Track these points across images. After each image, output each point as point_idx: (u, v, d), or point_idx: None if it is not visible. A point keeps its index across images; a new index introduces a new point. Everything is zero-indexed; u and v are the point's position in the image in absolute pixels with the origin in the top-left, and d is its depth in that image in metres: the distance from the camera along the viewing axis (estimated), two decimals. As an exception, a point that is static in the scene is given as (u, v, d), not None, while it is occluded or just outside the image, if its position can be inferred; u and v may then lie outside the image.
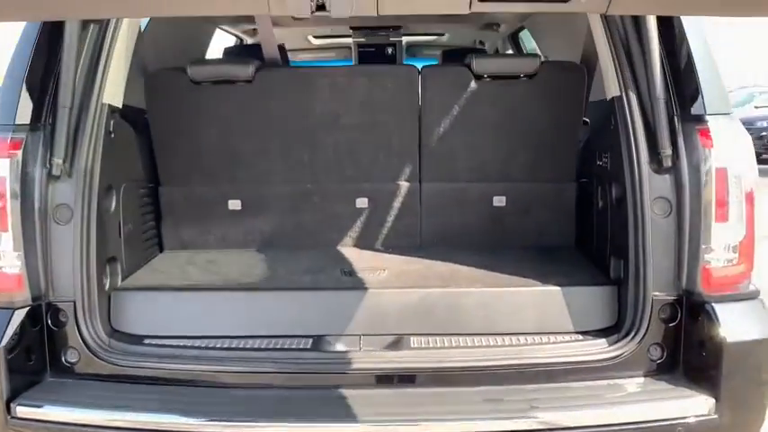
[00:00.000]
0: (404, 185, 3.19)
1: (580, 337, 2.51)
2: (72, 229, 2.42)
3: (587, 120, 3.22)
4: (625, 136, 2.46)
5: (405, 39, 5.97)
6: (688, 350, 2.38)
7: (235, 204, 3.19)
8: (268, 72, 3.08)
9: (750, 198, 2.35)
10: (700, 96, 2.36)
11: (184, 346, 2.49)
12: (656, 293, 2.38)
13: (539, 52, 5.11)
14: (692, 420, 2.24)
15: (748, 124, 15.39)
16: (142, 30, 3.64)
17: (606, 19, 2.54)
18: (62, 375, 2.44)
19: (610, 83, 2.58)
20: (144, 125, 3.08)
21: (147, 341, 2.52)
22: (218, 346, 2.49)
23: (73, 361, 2.44)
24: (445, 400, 2.31)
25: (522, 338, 2.51)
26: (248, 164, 3.16)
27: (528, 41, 5.39)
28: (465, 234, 3.21)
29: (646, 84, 2.41)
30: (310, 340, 2.50)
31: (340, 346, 2.47)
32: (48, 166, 2.40)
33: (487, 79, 3.05)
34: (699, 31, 2.43)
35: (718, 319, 2.28)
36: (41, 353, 2.42)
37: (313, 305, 2.59)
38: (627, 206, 2.45)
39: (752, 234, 2.36)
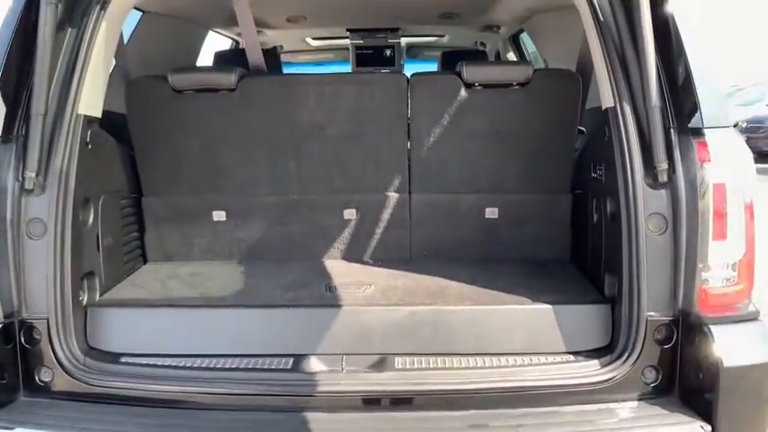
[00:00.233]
0: (393, 196, 3.10)
1: (571, 357, 2.41)
2: (45, 244, 2.34)
3: (583, 129, 3.13)
4: (619, 149, 2.35)
5: (404, 40, 5.88)
6: (684, 373, 2.28)
7: (219, 215, 3.11)
8: (252, 80, 2.99)
9: (750, 214, 2.25)
10: (697, 108, 2.25)
11: (161, 366, 2.41)
12: (651, 314, 2.29)
13: (538, 55, 5.04)
14: None
15: (759, 122, 15.28)
16: (126, 36, 3.59)
17: (600, 25, 2.44)
18: (36, 395, 2.36)
19: (604, 93, 2.48)
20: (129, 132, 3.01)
21: (123, 359, 2.45)
22: (195, 365, 2.41)
23: (47, 380, 2.36)
24: (429, 426, 2.22)
25: (511, 359, 2.42)
26: (233, 174, 3.07)
27: (529, 44, 5.29)
28: (456, 247, 3.12)
29: (641, 94, 2.31)
30: (291, 360, 2.41)
31: (321, 367, 2.38)
32: (20, 179, 2.32)
33: (478, 87, 2.95)
34: (697, 40, 2.32)
35: (715, 342, 2.18)
36: (14, 371, 2.34)
37: (295, 323, 2.50)
38: (621, 222, 2.36)
39: (752, 252, 2.26)
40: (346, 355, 2.42)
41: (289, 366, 2.38)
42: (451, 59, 4.91)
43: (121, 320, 2.56)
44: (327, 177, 3.08)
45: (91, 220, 2.63)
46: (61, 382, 2.34)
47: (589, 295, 2.60)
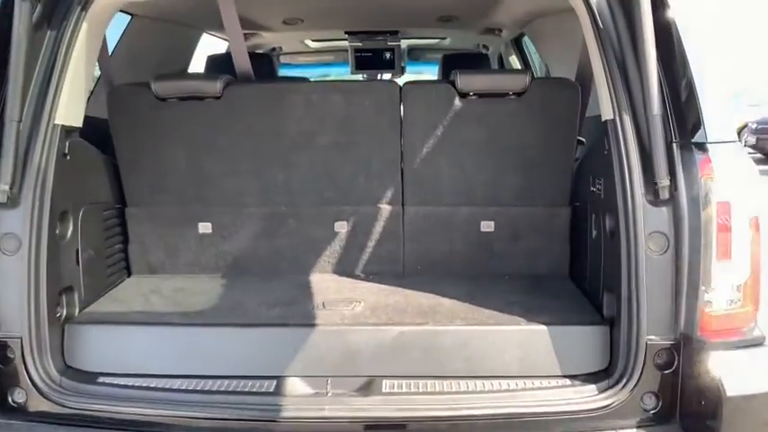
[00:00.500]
0: (385, 209, 3.00)
1: (567, 381, 2.30)
2: (19, 260, 2.26)
3: (582, 140, 3.01)
4: (618, 164, 2.24)
5: (405, 42, 5.78)
6: (685, 401, 2.17)
7: (205, 227, 3.01)
8: (238, 88, 2.89)
9: (756, 233, 2.14)
10: (701, 122, 2.14)
11: (139, 387, 2.32)
12: (651, 337, 2.17)
13: (539, 59, 4.93)
14: None
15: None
16: (114, 40, 3.50)
17: (599, 31, 2.33)
18: (9, 416, 2.27)
19: (603, 104, 2.37)
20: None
21: (100, 380, 2.35)
22: (175, 387, 2.31)
23: (20, 401, 2.27)
24: None
25: (504, 383, 2.30)
26: (219, 185, 2.97)
27: (532, 48, 5.18)
28: (450, 261, 3.01)
29: (642, 106, 2.19)
30: (274, 382, 2.31)
31: (305, 390, 2.28)
32: None
33: (473, 97, 2.85)
34: (700, 47, 2.20)
35: (718, 368, 2.08)
36: None
37: (279, 343, 2.40)
38: (620, 240, 2.24)
39: (758, 273, 2.16)
40: (332, 377, 2.32)
41: (272, 389, 2.28)
42: (452, 62, 4.82)
43: (100, 338, 2.47)
44: (317, 188, 2.98)
45: (70, 233, 2.54)
46: (35, 404, 2.26)
47: (587, 315, 2.49)
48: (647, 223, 2.18)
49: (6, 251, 2.26)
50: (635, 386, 2.18)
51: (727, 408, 2.03)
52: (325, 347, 2.37)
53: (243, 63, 3.05)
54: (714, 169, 2.11)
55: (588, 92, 2.88)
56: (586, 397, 2.21)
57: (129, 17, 3.60)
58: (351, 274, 3.02)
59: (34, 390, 2.25)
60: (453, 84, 2.82)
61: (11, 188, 2.23)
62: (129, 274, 3.06)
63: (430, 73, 6.95)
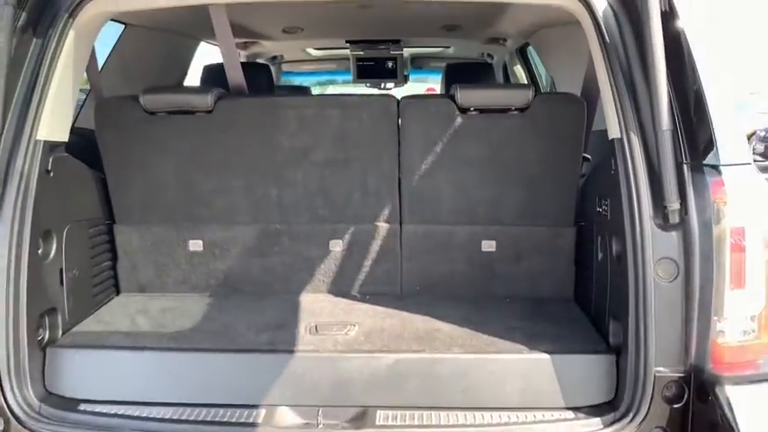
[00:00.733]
0: (382, 227, 2.89)
1: (571, 414, 2.19)
2: None
3: (588, 156, 2.89)
4: (626, 185, 2.13)
5: (408, 51, 5.69)
6: None
7: (196, 245, 2.91)
8: (230, 102, 2.78)
9: (771, 260, 2.02)
10: (713, 142, 2.02)
11: (123, 415, 2.21)
12: (660, 369, 2.06)
13: (545, 70, 4.82)
14: None
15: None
16: (106, 51, 3.42)
17: (605, 44, 2.22)
18: None
19: (610, 122, 2.25)
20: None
21: (82, 407, 2.25)
22: (159, 416, 2.21)
23: None
24: None
25: (504, 415, 2.19)
26: (210, 201, 2.87)
27: (538, 58, 5.07)
28: (450, 282, 2.90)
29: (651, 125, 2.08)
30: (263, 411, 2.20)
31: (295, 420, 2.17)
32: None
33: (474, 112, 2.73)
34: (711, 59, 2.09)
35: (730, 404, 1.96)
36: None
37: (268, 370, 2.29)
38: (627, 266, 2.13)
39: (774, 303, 2.03)
40: (323, 407, 2.21)
41: (260, 419, 2.17)
42: (456, 72, 4.72)
43: (82, 363, 2.37)
44: (311, 206, 2.87)
45: (53, 252, 2.44)
46: None
47: (592, 344, 2.37)
48: (655, 248, 2.06)
49: None
50: (642, 420, 2.07)
51: None
52: (317, 375, 2.26)
53: (235, 75, 2.94)
54: (727, 193, 2.00)
55: (594, 107, 2.77)
56: (591, 431, 2.10)
57: (123, 26, 3.52)
58: (346, 295, 2.91)
59: (13, 418, 2.15)
60: (453, 98, 2.72)
61: None
62: (118, 293, 2.96)
63: (434, 81, 6.88)
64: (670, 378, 2.06)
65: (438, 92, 6.24)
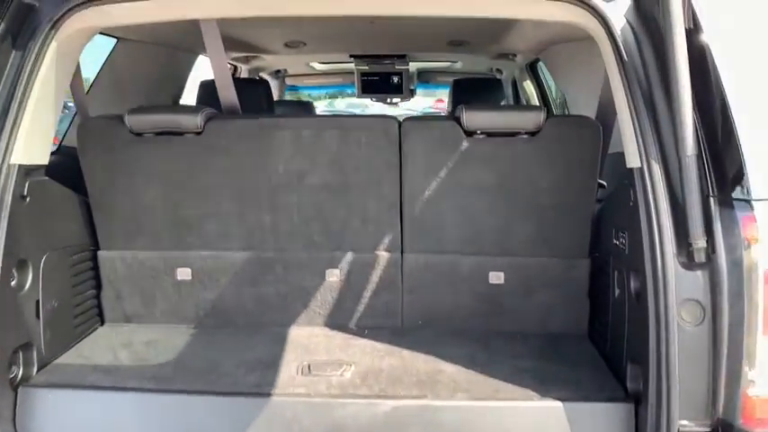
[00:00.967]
0: (382, 256, 2.71)
1: None
2: None
3: (604, 183, 2.71)
4: (646, 220, 1.94)
5: (415, 65, 5.55)
6: None
7: (184, 273, 2.73)
8: (220, 123, 2.62)
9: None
10: (743, 173, 1.83)
11: None
12: (684, 422, 1.87)
13: (555, 86, 4.65)
14: None
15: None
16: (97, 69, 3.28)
17: (623, 63, 2.04)
18: None
19: (629, 149, 2.07)
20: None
21: None
22: None
23: None
24: None
25: None
26: (199, 227, 2.70)
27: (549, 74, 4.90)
28: (454, 316, 2.71)
29: (674, 153, 1.89)
30: None
31: None
32: None
33: (481, 136, 2.56)
34: (743, 87, 1.90)
35: (764, 465, 1.77)
36: None
37: (255, 415, 2.11)
38: (647, 306, 1.93)
39: (811, 350, 1.84)
40: None
41: None
42: (463, 88, 4.55)
43: (56, 404, 2.20)
44: (307, 233, 2.70)
45: (29, 283, 2.28)
46: None
47: (609, 389, 2.18)
48: (679, 289, 1.87)
49: None
50: None
51: None
52: (308, 422, 2.08)
53: (228, 94, 2.78)
54: (760, 229, 1.81)
55: (610, 131, 2.59)
56: None
57: (116, 40, 3.37)
58: (343, 328, 2.73)
59: None
60: (458, 120, 2.54)
61: None
62: (103, 323, 2.80)
63: (444, 92, 6.72)
64: None
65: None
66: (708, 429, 1.86)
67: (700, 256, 1.85)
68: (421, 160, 2.60)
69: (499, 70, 5.81)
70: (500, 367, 2.31)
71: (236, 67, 5.30)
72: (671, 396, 1.87)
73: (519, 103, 5.75)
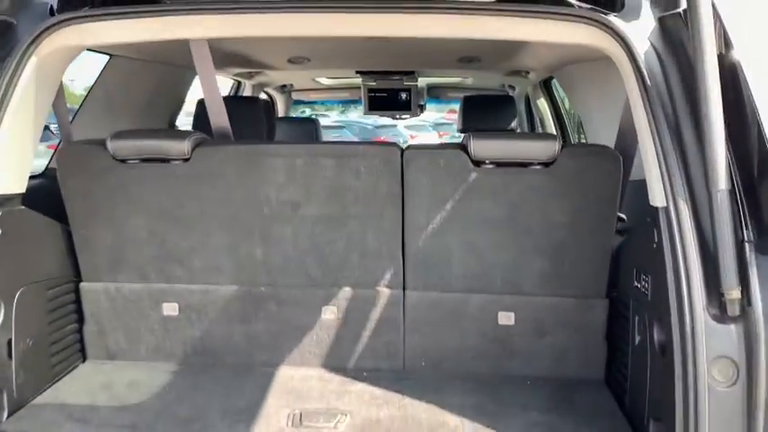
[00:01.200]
0: (383, 293, 2.51)
1: None
2: None
3: (623, 217, 2.50)
4: (673, 266, 1.73)
5: (425, 80, 5.38)
6: None
7: (170, 308, 2.56)
8: (209, 149, 2.44)
9: None
10: None
11: None
12: None
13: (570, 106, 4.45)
14: None
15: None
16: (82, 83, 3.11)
17: (646, 88, 1.85)
18: None
19: (653, 186, 1.87)
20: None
21: None
22: None
23: None
24: None
25: None
26: (187, 260, 2.52)
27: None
28: (460, 359, 2.51)
29: (705, 192, 1.69)
30: None
31: None
32: None
33: (490, 166, 2.36)
34: None
35: None
36: None
37: None
38: (674, 362, 1.73)
39: None
40: None
41: None
42: (474, 105, 4.36)
43: None
44: (301, 267, 2.51)
45: (0, 322, 2.11)
46: None
47: None
48: (710, 345, 1.67)
49: None
50: None
51: None
52: None
53: (219, 118, 2.60)
54: (802, 280, 1.60)
55: (631, 160, 2.39)
56: None
57: (108, 57, 3.22)
58: (340, 370, 2.53)
59: None
60: (465, 149, 2.35)
61: None
62: (85, 359, 2.62)
63: (457, 104, 6.54)
64: None
65: None
66: None
67: (733, 309, 1.65)
68: (425, 191, 2.41)
69: (512, 86, 5.61)
70: (509, 421, 2.11)
71: (239, 83, 5.16)
72: None
73: (532, 122, 5.56)
